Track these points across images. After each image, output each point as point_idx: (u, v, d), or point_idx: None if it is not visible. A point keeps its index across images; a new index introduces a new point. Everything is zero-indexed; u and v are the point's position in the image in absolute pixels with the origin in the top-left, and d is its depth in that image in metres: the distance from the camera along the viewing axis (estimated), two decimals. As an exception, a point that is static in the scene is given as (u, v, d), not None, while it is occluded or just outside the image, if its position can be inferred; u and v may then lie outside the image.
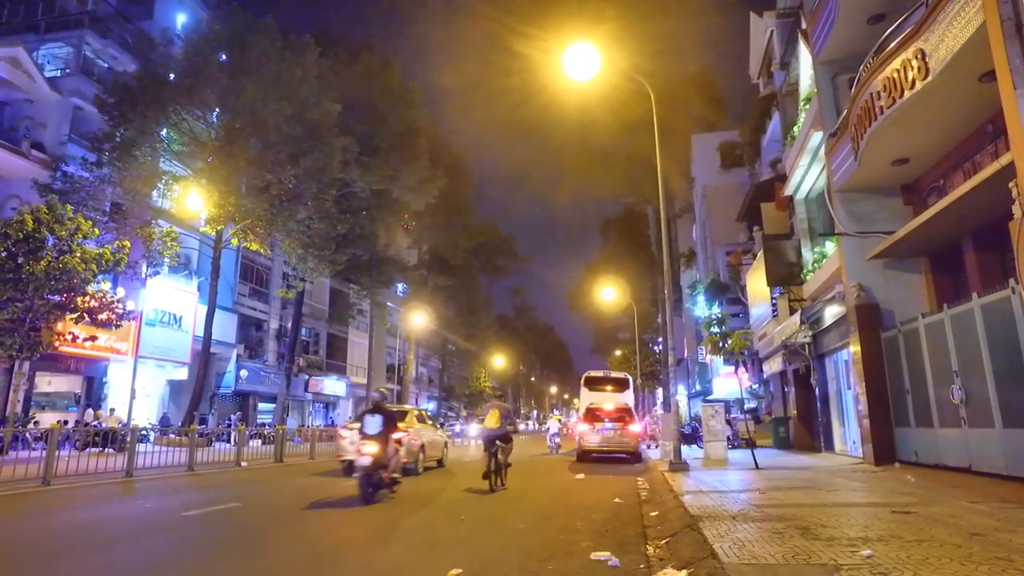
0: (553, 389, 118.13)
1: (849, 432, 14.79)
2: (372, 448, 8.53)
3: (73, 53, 25.28)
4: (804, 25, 14.69)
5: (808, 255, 16.21)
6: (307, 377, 35.79)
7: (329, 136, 23.37)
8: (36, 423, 18.63)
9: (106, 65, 25.72)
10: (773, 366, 20.68)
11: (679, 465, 12.06)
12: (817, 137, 13.94)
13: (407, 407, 18.00)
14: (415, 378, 51.83)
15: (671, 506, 7.58)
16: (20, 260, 16.15)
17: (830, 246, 14.46)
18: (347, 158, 24.58)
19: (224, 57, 22.98)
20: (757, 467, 11.84)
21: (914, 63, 8.92)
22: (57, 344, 18.33)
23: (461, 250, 45.80)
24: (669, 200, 32.92)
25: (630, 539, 5.98)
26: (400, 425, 10.47)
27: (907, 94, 9.19)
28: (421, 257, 46.96)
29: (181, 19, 29.01)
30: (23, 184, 20.81)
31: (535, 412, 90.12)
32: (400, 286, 45.16)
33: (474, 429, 37.98)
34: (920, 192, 12.30)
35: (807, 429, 18.03)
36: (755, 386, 25.78)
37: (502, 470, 10.44)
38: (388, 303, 42.35)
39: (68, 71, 24.99)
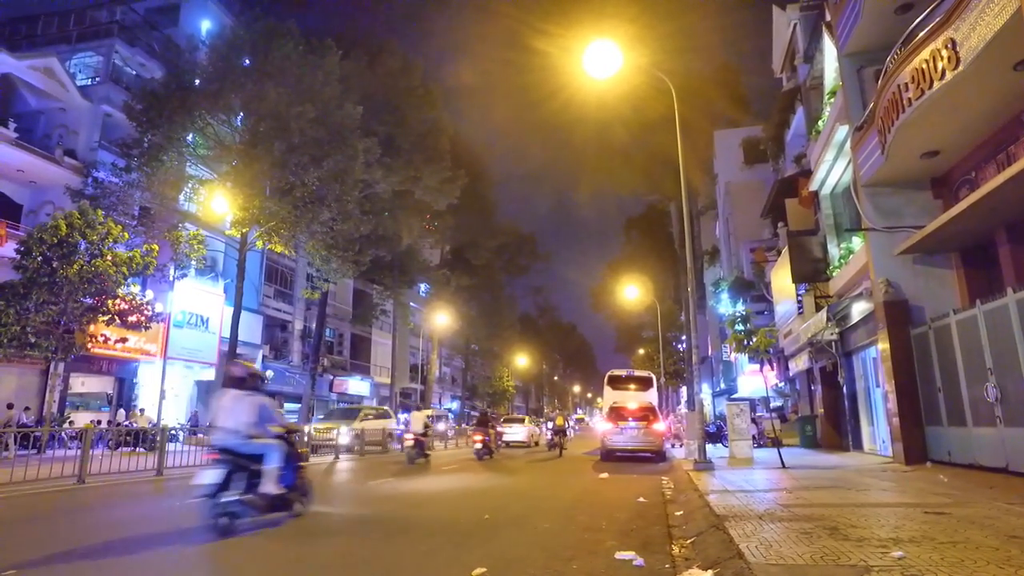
0: (576, 388, 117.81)
1: (878, 431, 14.51)
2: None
3: (103, 62, 25.87)
4: (828, 17, 14.44)
5: (834, 251, 15.95)
6: (331, 377, 36.15)
7: (351, 138, 23.55)
8: (71, 423, 19.13)
9: (134, 73, 26.27)
10: (799, 364, 20.38)
11: (704, 464, 11.94)
12: (843, 131, 13.69)
13: (524, 416, 33.23)
14: (438, 377, 52.02)
15: (696, 505, 7.51)
16: (55, 264, 16.58)
17: (857, 242, 14.21)
18: (369, 159, 24.74)
19: (248, 62, 23.30)
20: (784, 466, 11.68)
21: (944, 53, 8.71)
22: (90, 346, 18.78)
23: (483, 249, 45.82)
24: (692, 197, 32.60)
25: (655, 539, 5.94)
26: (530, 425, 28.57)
27: (937, 85, 8.98)
28: (444, 257, 47.11)
29: (206, 25, 29.49)
30: (57, 190, 21.40)
31: (557, 411, 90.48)
32: (423, 286, 45.36)
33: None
34: (951, 185, 12.02)
35: (835, 428, 17.74)
36: (781, 384, 25.43)
37: (562, 446, 20.95)
38: (411, 303, 42.58)
39: (98, 79, 25.57)
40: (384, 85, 29.22)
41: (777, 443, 14.38)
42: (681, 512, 7.53)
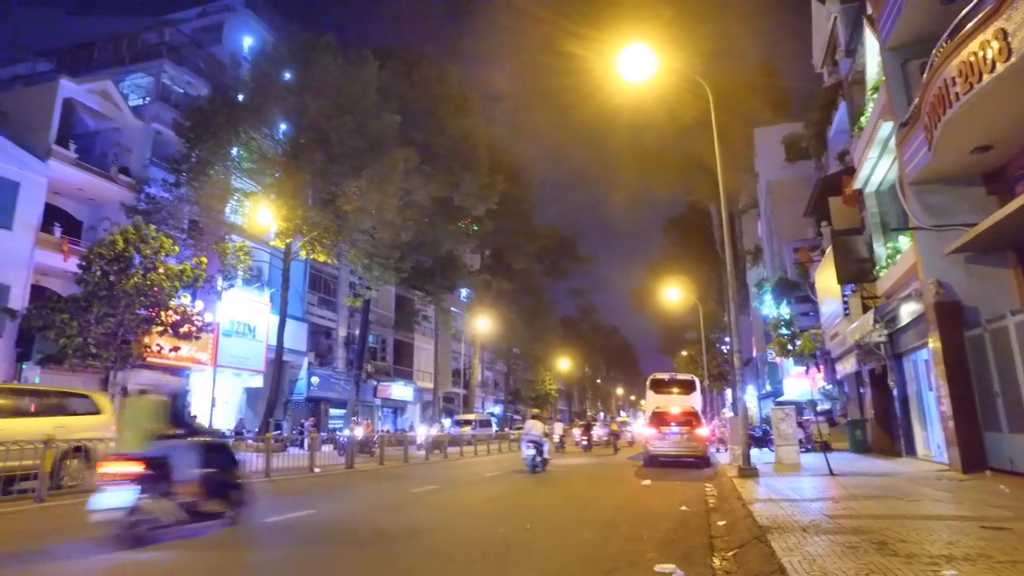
0: (619, 390, 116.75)
1: (932, 435, 13.99)
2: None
3: (153, 82, 26.99)
4: (870, 10, 14.01)
5: (881, 251, 15.45)
6: (375, 383, 36.77)
7: (390, 147, 23.97)
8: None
9: (182, 91, 27.32)
10: (847, 366, 19.79)
11: (748, 471, 11.73)
12: (887, 127, 13.27)
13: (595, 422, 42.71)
14: (481, 382, 52.31)
15: (739, 515, 7.41)
16: (112, 278, 17.37)
17: (904, 241, 13.74)
18: (408, 167, 25.12)
19: (288, 76, 23.97)
20: (831, 473, 11.38)
21: (994, 44, 8.38)
22: (146, 355, 19.56)
23: (523, 253, 45.79)
24: (732, 197, 32.09)
25: (696, 550, 5.89)
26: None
27: (986, 78, 8.64)
28: (484, 262, 47.32)
29: (248, 42, 30.46)
30: (113, 206, 22.44)
31: (602, 414, 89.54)
32: (463, 291, 45.71)
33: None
34: (1007, 180, 11.51)
35: (886, 432, 17.16)
36: (828, 387, 24.72)
37: (616, 445, 27.83)
38: (452, 308, 42.96)
39: (149, 99, 26.69)
40: (421, 93, 29.59)
41: (825, 448, 14.01)
42: (724, 522, 7.43)
